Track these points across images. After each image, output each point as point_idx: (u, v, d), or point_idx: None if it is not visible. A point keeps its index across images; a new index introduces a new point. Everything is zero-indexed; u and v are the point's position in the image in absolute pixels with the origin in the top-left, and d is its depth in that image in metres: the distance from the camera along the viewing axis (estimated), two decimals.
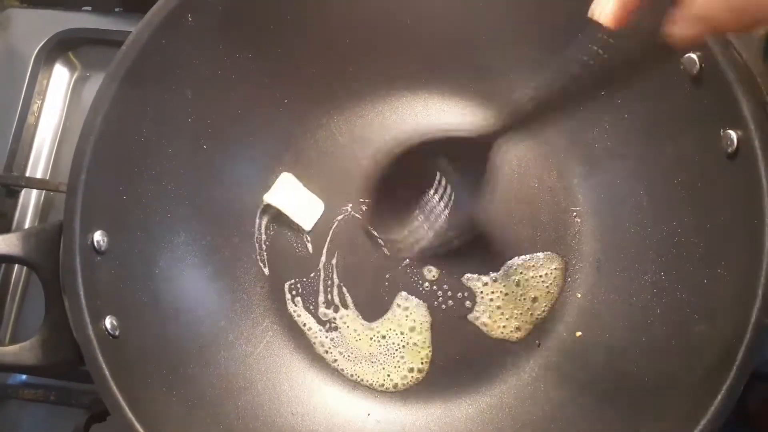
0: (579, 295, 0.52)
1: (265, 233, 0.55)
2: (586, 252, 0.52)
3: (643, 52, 0.32)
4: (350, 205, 0.55)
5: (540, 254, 0.53)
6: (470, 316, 0.52)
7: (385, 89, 0.56)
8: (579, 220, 0.53)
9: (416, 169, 0.47)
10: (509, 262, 0.53)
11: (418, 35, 0.54)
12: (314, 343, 0.53)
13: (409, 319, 0.53)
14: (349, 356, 0.53)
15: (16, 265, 0.60)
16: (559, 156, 0.54)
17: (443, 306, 0.53)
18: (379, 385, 0.52)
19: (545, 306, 0.52)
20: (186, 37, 0.48)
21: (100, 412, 0.52)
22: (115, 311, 0.45)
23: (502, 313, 0.52)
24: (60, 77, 0.64)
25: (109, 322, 0.44)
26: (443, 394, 0.51)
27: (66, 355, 0.45)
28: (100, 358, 0.43)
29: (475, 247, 0.53)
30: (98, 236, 0.45)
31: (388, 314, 0.53)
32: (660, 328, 0.46)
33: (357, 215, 0.55)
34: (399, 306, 0.53)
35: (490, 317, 0.52)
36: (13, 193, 0.61)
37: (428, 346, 0.52)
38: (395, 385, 0.52)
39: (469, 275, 0.53)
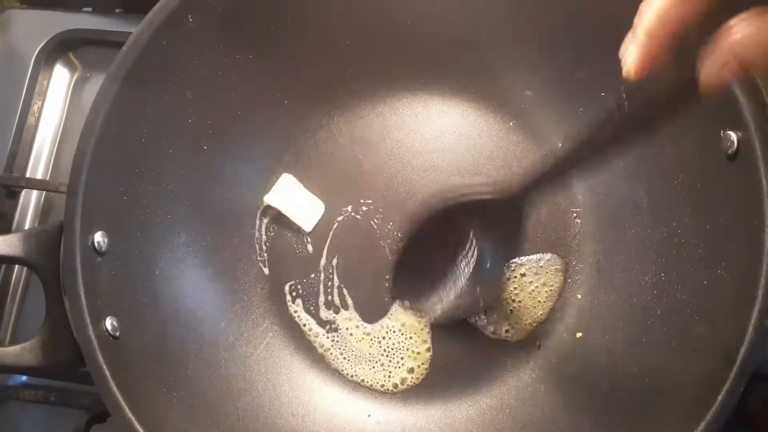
0: (579, 296, 0.52)
1: (266, 234, 0.55)
2: (586, 253, 0.52)
3: (668, 99, 0.30)
4: (350, 206, 0.55)
5: (540, 255, 0.53)
6: (470, 318, 0.52)
7: (385, 90, 0.56)
8: (579, 221, 0.53)
9: (444, 231, 0.46)
10: (509, 262, 0.53)
11: (418, 36, 0.54)
12: (314, 344, 0.53)
13: (409, 320, 0.53)
14: (349, 357, 0.53)
15: (17, 266, 0.60)
16: None
17: None
18: (380, 386, 0.52)
19: (545, 307, 0.52)
20: (186, 37, 0.48)
21: (101, 412, 0.52)
22: (115, 312, 0.45)
23: (503, 315, 0.52)
24: (60, 78, 0.64)
25: (109, 322, 0.44)
26: (443, 395, 0.51)
27: (66, 356, 0.45)
28: (101, 359, 0.43)
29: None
30: (99, 237, 0.45)
31: (389, 315, 0.53)
32: (660, 329, 0.46)
33: (357, 216, 0.55)
34: (399, 307, 0.53)
35: (490, 318, 0.52)
36: (13, 194, 0.61)
37: (428, 348, 0.52)
38: (395, 386, 0.52)
39: None
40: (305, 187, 0.55)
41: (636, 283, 0.48)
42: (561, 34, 0.50)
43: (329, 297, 0.54)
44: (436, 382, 0.52)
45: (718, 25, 0.26)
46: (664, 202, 0.48)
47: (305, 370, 0.53)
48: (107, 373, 0.42)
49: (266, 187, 0.55)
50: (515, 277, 0.52)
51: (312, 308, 0.54)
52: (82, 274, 0.44)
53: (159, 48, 0.47)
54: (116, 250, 0.46)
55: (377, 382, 0.52)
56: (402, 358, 0.52)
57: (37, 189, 0.61)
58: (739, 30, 0.26)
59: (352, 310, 0.54)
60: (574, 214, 0.53)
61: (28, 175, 0.62)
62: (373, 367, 0.52)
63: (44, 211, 0.62)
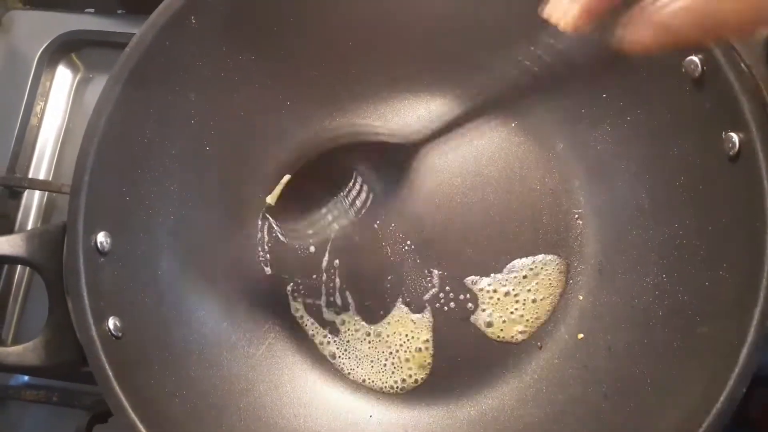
0: (581, 297, 0.52)
1: (268, 235, 0.55)
2: (587, 254, 0.52)
3: (589, 59, 0.31)
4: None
5: (542, 256, 0.53)
6: (472, 318, 0.52)
7: (387, 91, 0.56)
8: (581, 222, 0.53)
9: (334, 169, 0.49)
10: (511, 264, 0.53)
11: (420, 37, 0.54)
12: (316, 345, 0.53)
13: (410, 320, 0.53)
14: (351, 358, 0.53)
15: (19, 266, 0.60)
16: (561, 158, 0.54)
17: (445, 308, 0.53)
18: (381, 387, 0.52)
19: (547, 308, 0.52)
20: (189, 38, 0.49)
21: (103, 413, 0.52)
22: (118, 312, 0.45)
23: (504, 315, 0.52)
24: (63, 79, 0.65)
25: (112, 323, 0.44)
26: (445, 395, 0.51)
27: (69, 356, 0.45)
28: (103, 359, 0.43)
29: (477, 249, 0.53)
30: (101, 237, 0.45)
31: (390, 316, 0.53)
32: (662, 330, 0.46)
33: (359, 218, 0.55)
34: (401, 308, 0.53)
35: (491, 319, 0.52)
36: (15, 195, 0.61)
37: (430, 348, 0.52)
38: (397, 387, 0.52)
39: (471, 277, 0.53)
40: None
41: (638, 284, 0.48)
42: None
43: (331, 298, 0.54)
44: (438, 383, 0.52)
45: None
46: (665, 203, 0.48)
47: (307, 371, 0.53)
48: (110, 373, 0.43)
49: (268, 187, 0.55)
50: (517, 277, 0.52)
51: (314, 309, 0.54)
52: (85, 274, 0.44)
53: (162, 49, 0.47)
54: (119, 250, 0.46)
55: (379, 383, 0.52)
56: (404, 359, 0.52)
57: (39, 189, 0.61)
58: None
59: (353, 310, 0.54)
60: (576, 215, 0.53)
61: (30, 175, 0.62)
62: (375, 367, 0.52)
63: (47, 212, 0.62)
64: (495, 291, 0.52)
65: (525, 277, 0.52)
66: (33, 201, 0.62)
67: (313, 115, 0.56)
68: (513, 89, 0.35)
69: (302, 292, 0.54)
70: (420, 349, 0.52)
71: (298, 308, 0.54)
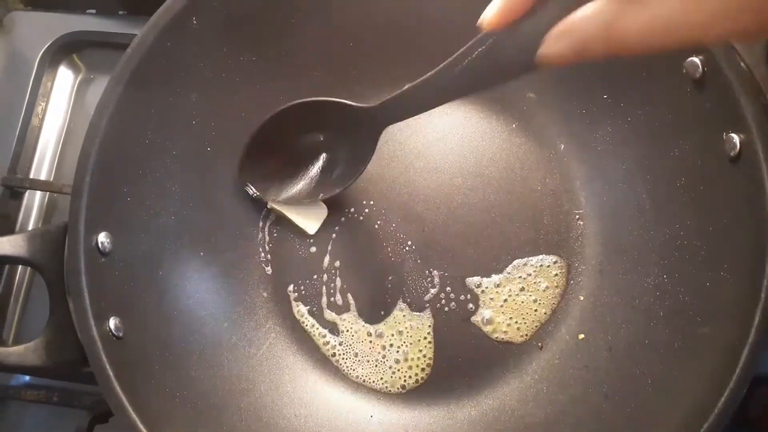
0: (581, 298, 0.52)
1: (269, 235, 0.55)
2: (588, 255, 0.52)
3: (517, 64, 0.34)
4: (353, 207, 0.55)
5: (542, 257, 0.53)
6: (473, 319, 0.52)
7: (387, 91, 0.56)
8: (581, 222, 0.53)
9: (299, 132, 0.51)
10: (512, 264, 0.53)
11: (420, 38, 0.54)
12: (317, 345, 0.53)
13: (411, 321, 0.53)
14: (351, 358, 0.53)
15: (21, 267, 0.60)
16: (562, 159, 0.54)
17: (446, 308, 0.53)
18: (382, 387, 0.52)
19: (548, 308, 0.52)
20: (191, 39, 0.49)
21: (103, 413, 0.52)
22: (119, 312, 0.45)
23: (505, 316, 0.52)
24: (64, 79, 0.65)
25: (113, 323, 0.44)
26: (446, 395, 0.51)
27: (70, 356, 0.45)
28: (104, 359, 0.43)
29: (477, 249, 0.53)
30: (102, 238, 0.46)
31: (391, 316, 0.53)
32: (662, 330, 0.46)
33: (360, 217, 0.55)
34: (402, 308, 0.53)
35: (492, 319, 0.52)
36: (17, 195, 0.61)
37: (431, 348, 0.52)
38: (398, 387, 0.52)
39: (471, 278, 0.53)
40: None
41: (638, 284, 0.48)
42: None
43: (332, 298, 0.54)
44: (439, 383, 0.52)
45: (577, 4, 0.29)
46: (666, 204, 0.48)
47: (308, 371, 0.53)
48: (111, 374, 0.43)
49: None
50: (517, 278, 0.53)
51: (315, 309, 0.54)
52: (86, 274, 0.44)
53: (163, 50, 0.47)
54: (120, 251, 0.47)
55: (380, 383, 0.52)
56: (404, 359, 0.52)
57: (40, 190, 0.61)
58: (583, 9, 0.28)
59: (354, 311, 0.54)
60: (577, 216, 0.53)
61: (31, 176, 0.62)
62: (376, 367, 0.52)
63: (48, 212, 0.62)
64: (496, 291, 0.52)
65: (526, 277, 0.52)
66: (34, 201, 0.62)
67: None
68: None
69: (303, 292, 0.54)
70: (420, 350, 0.52)
71: (298, 308, 0.54)
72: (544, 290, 0.52)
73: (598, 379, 0.48)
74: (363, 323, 0.53)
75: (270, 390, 0.51)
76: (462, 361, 0.52)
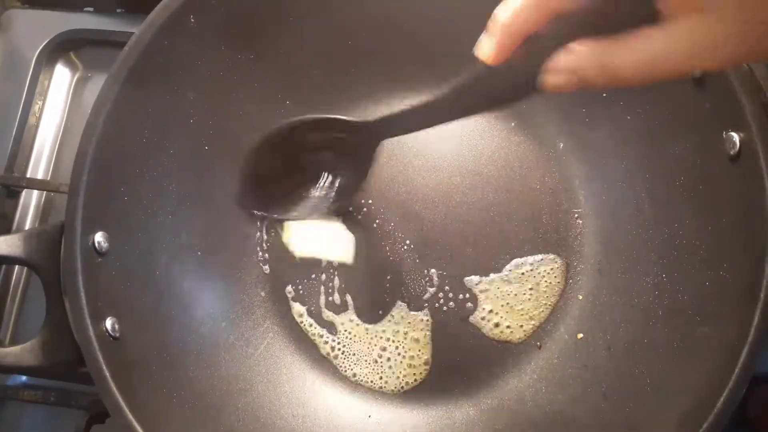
0: (580, 297, 0.52)
1: (267, 234, 0.55)
2: (587, 254, 0.52)
3: (515, 90, 0.35)
4: (351, 208, 0.55)
5: (541, 256, 0.53)
6: (471, 318, 0.52)
7: (386, 91, 0.56)
8: (581, 221, 0.53)
9: (302, 157, 0.50)
10: (511, 263, 0.53)
11: (419, 38, 0.54)
12: (315, 345, 0.53)
13: (410, 320, 0.53)
14: (350, 358, 0.53)
15: (17, 266, 0.60)
16: (561, 158, 0.54)
17: (444, 308, 0.53)
18: (380, 387, 0.52)
19: (546, 308, 0.52)
20: (188, 38, 0.48)
21: (100, 413, 0.52)
22: (116, 312, 0.45)
23: (504, 315, 0.52)
24: (61, 78, 0.64)
25: (109, 323, 0.44)
26: (444, 395, 0.51)
27: (67, 357, 0.45)
28: (101, 360, 0.43)
29: (476, 248, 0.53)
30: (99, 237, 0.45)
31: (389, 316, 0.53)
32: (662, 330, 0.46)
33: (358, 216, 0.55)
34: (400, 308, 0.53)
35: (491, 319, 0.52)
36: (13, 194, 0.61)
37: (429, 348, 0.52)
38: (396, 387, 0.52)
39: (470, 277, 0.53)
40: None
41: (637, 284, 0.48)
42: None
43: (330, 298, 0.54)
44: (437, 383, 0.52)
45: (572, 39, 0.30)
46: (665, 203, 0.48)
47: (306, 371, 0.53)
48: (107, 374, 0.42)
49: None
50: (516, 277, 0.52)
51: (313, 309, 0.54)
52: (83, 274, 0.44)
53: (161, 48, 0.47)
54: (117, 250, 0.46)
55: (378, 383, 0.52)
56: (402, 359, 0.52)
57: (37, 189, 0.61)
58: (578, 47, 0.30)
59: (352, 311, 0.54)
60: (576, 215, 0.53)
61: (28, 175, 0.62)
62: (374, 367, 0.52)
63: (45, 212, 0.62)
64: (494, 291, 0.52)
65: (524, 276, 0.52)
66: (31, 200, 0.62)
67: (312, 114, 0.56)
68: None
69: (301, 291, 0.54)
70: (419, 349, 0.52)
71: (296, 308, 0.54)
72: (542, 289, 0.52)
73: (597, 378, 0.48)
74: (361, 323, 0.53)
75: (268, 390, 0.51)
76: (460, 360, 0.52)
